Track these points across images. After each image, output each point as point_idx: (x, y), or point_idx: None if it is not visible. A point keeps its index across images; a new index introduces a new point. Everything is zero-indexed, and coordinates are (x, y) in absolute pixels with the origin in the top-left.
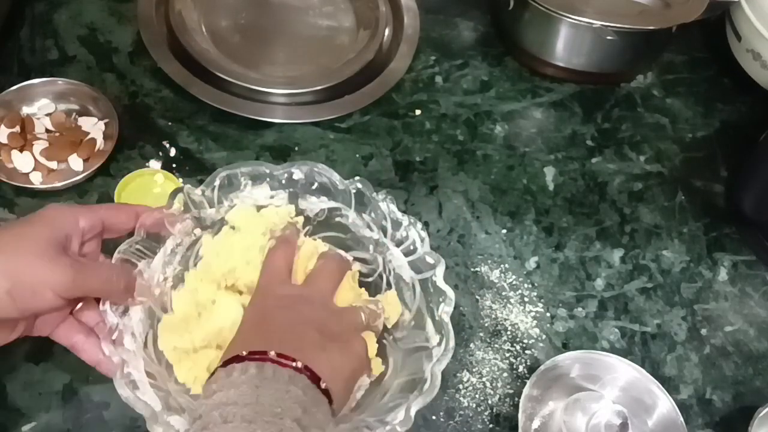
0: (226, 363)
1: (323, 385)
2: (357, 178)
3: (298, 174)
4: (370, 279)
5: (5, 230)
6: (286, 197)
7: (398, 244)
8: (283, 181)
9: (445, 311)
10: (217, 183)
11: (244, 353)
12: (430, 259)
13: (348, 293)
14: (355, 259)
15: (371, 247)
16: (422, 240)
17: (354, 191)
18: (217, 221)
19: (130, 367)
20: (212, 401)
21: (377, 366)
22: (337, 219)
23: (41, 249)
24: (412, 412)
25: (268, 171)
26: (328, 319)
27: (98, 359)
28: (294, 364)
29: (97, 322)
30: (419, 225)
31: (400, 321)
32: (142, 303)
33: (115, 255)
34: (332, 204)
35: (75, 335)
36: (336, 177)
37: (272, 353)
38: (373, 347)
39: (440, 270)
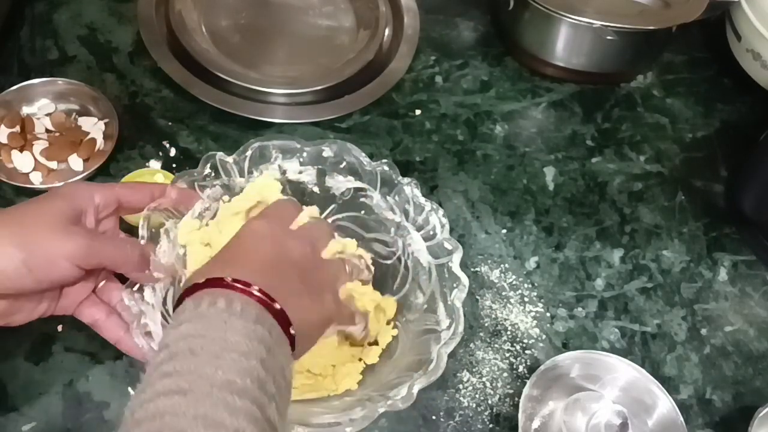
0: (199, 286)
1: (291, 331)
2: (384, 160)
3: (327, 152)
4: (388, 261)
5: (20, 206)
6: (315, 173)
7: (419, 228)
8: (312, 156)
9: (457, 297)
10: (249, 153)
11: (229, 279)
12: (448, 245)
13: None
14: (376, 240)
15: (392, 230)
16: (442, 226)
17: (380, 173)
18: (242, 191)
19: (147, 319)
20: (179, 332)
21: (385, 335)
22: (362, 199)
23: (56, 221)
24: (415, 390)
25: (299, 146)
26: (312, 265)
27: (119, 337)
28: (275, 305)
29: (119, 299)
30: (441, 211)
31: (414, 303)
32: (159, 279)
33: (144, 212)
34: (358, 184)
35: (97, 313)
36: (364, 158)
37: (255, 289)
38: (373, 294)
39: (457, 256)
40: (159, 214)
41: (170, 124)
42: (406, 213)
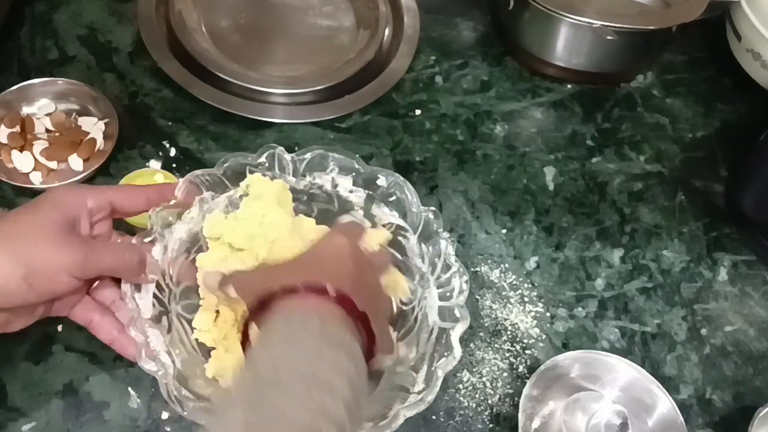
0: (275, 295)
1: (374, 329)
2: (432, 208)
3: (382, 181)
4: (404, 307)
5: (13, 217)
6: (364, 197)
7: (439, 286)
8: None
9: (442, 366)
10: (308, 156)
11: (331, 289)
12: (458, 313)
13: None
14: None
15: (417, 278)
16: (461, 292)
17: (424, 218)
18: (289, 190)
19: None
20: (269, 353)
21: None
22: (399, 238)
23: (51, 233)
24: None
25: (357, 166)
26: (365, 269)
27: (113, 337)
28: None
29: (113, 299)
30: (465, 277)
31: (406, 357)
32: (153, 281)
33: (185, 177)
34: (401, 222)
35: (91, 314)
36: (415, 198)
37: (336, 292)
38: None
39: (461, 327)
40: (200, 182)
41: (170, 124)
42: (433, 266)
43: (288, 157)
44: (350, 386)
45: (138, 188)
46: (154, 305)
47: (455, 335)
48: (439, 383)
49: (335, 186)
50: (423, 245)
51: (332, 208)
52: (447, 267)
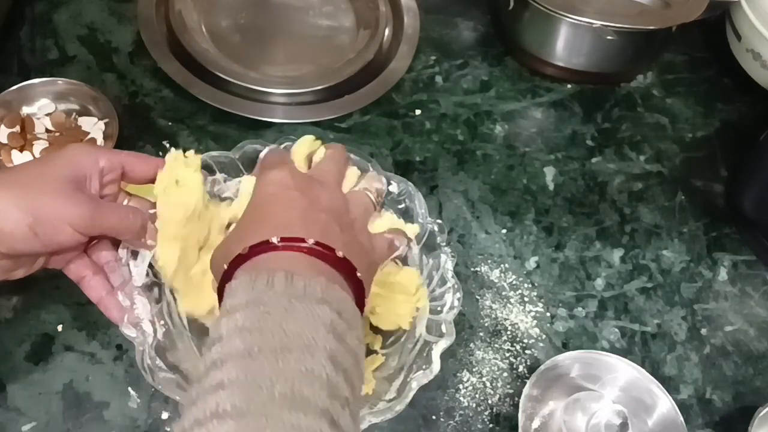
0: (251, 252)
1: (359, 275)
2: (438, 221)
3: (394, 187)
4: None
5: (25, 168)
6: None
7: (432, 299)
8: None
9: (418, 379)
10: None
11: (276, 240)
12: (444, 329)
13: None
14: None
15: (414, 288)
16: (451, 308)
17: (429, 230)
18: None
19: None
20: (233, 322)
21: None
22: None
23: (61, 186)
24: None
25: (371, 170)
26: (342, 206)
27: (101, 297)
28: (338, 253)
29: (108, 260)
30: (458, 294)
31: (388, 364)
32: (153, 247)
33: (201, 155)
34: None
35: (84, 271)
36: (424, 209)
37: (311, 241)
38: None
39: (444, 343)
40: (213, 162)
41: (170, 124)
42: (430, 279)
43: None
44: (334, 338)
45: (150, 158)
46: (147, 274)
47: (437, 350)
48: (411, 395)
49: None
50: (424, 256)
51: None
52: (443, 281)
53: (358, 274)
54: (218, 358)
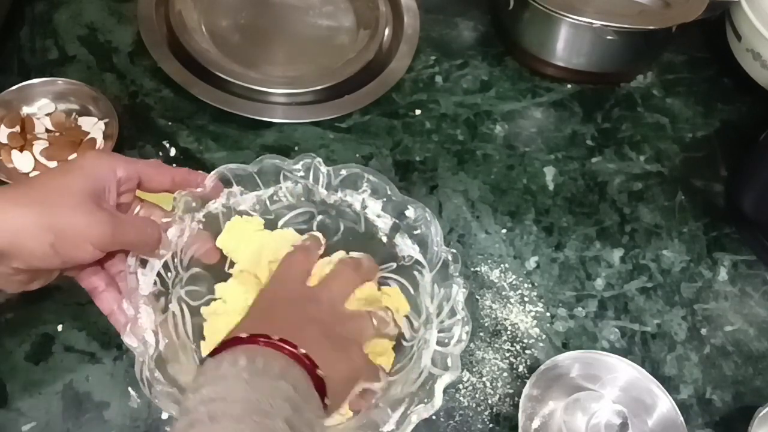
0: (221, 348)
1: (319, 373)
2: (452, 250)
3: (410, 212)
4: (405, 344)
5: (45, 180)
6: (390, 224)
7: (440, 330)
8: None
9: (418, 412)
10: (344, 173)
11: (244, 335)
12: (449, 362)
13: (366, 292)
14: (408, 317)
15: (423, 317)
16: (459, 341)
17: (443, 258)
18: (319, 202)
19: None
20: (200, 396)
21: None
22: (415, 272)
23: (81, 201)
24: None
25: (389, 193)
26: (334, 323)
27: (112, 310)
28: (297, 350)
29: (120, 270)
30: (467, 327)
31: (391, 395)
32: (164, 257)
33: (219, 168)
34: (421, 257)
35: (97, 281)
36: (440, 236)
37: (275, 337)
38: (390, 356)
39: (448, 377)
40: (230, 175)
41: (170, 123)
42: (440, 309)
43: (324, 169)
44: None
45: (166, 167)
46: (156, 283)
47: (441, 384)
48: (410, 428)
49: (364, 207)
50: (436, 285)
51: (359, 228)
52: (452, 313)
53: (319, 372)
54: (184, 426)
